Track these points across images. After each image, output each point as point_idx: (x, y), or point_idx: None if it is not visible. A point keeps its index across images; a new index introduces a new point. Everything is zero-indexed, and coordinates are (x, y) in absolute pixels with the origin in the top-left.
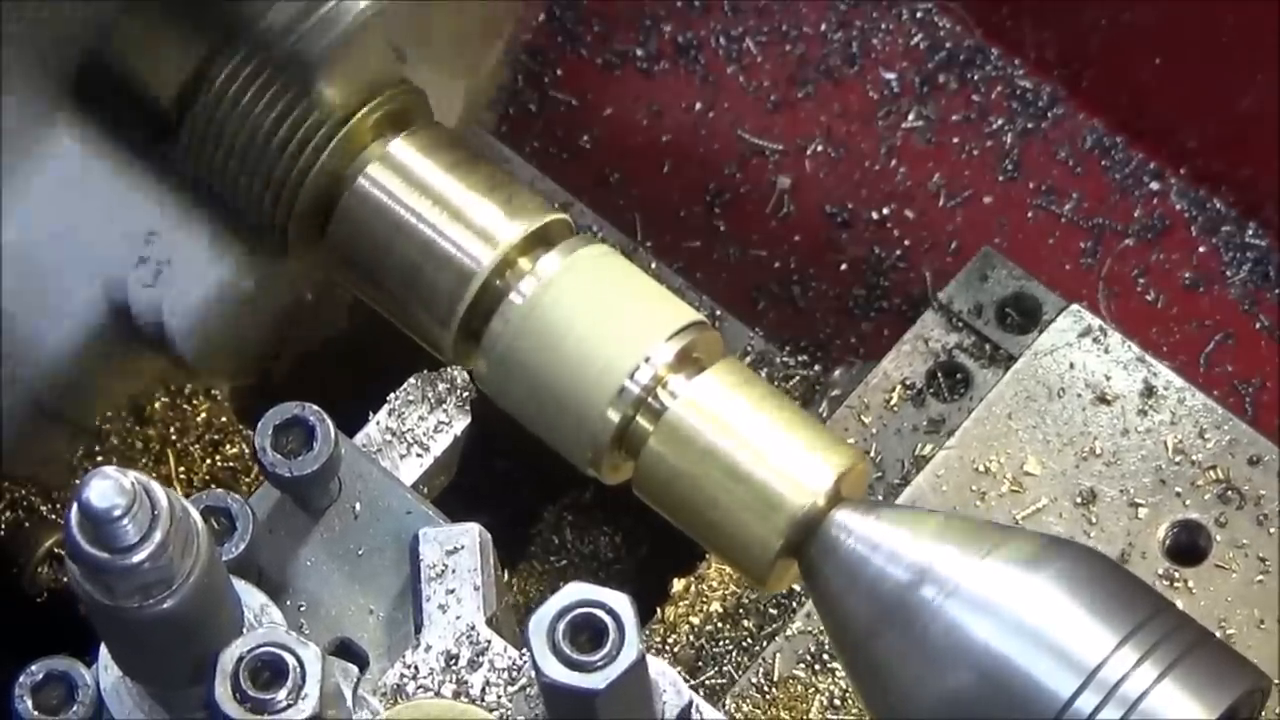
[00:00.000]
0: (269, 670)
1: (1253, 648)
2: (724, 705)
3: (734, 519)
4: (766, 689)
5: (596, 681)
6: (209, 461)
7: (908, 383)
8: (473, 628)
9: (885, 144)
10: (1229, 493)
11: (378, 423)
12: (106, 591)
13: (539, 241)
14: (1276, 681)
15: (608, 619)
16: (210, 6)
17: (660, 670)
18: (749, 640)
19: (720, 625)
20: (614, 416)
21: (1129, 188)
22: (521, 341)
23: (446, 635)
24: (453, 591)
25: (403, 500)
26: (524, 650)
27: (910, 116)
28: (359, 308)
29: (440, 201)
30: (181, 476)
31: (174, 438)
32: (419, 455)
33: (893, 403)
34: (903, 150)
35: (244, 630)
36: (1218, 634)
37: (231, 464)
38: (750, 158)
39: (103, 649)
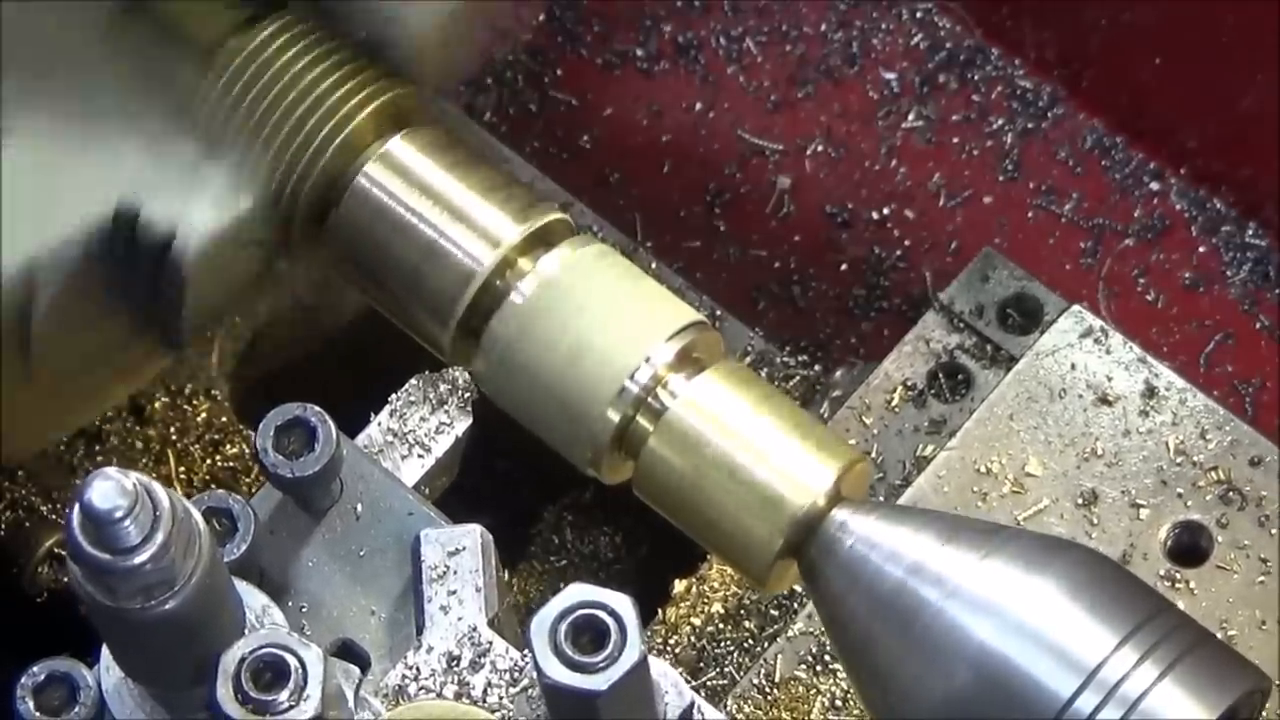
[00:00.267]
0: (271, 671)
1: (1254, 649)
2: (725, 706)
3: (734, 519)
4: (768, 690)
5: (598, 683)
6: (209, 461)
7: (909, 383)
8: (474, 629)
9: (885, 144)
10: (1230, 494)
11: (379, 424)
12: (108, 593)
13: (539, 241)
14: (1277, 682)
15: (610, 620)
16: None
17: (662, 671)
18: (750, 641)
19: (722, 626)
20: (614, 416)
21: (1129, 188)
22: (521, 341)
23: (448, 636)
24: (454, 593)
25: (404, 501)
26: (526, 651)
27: (910, 116)
28: (359, 307)
29: (440, 201)
30: (181, 476)
31: (174, 438)
32: (420, 456)
33: (894, 403)
34: (903, 150)
35: (246, 631)
36: (1219, 635)
37: (231, 464)
38: (750, 158)
39: (104, 650)
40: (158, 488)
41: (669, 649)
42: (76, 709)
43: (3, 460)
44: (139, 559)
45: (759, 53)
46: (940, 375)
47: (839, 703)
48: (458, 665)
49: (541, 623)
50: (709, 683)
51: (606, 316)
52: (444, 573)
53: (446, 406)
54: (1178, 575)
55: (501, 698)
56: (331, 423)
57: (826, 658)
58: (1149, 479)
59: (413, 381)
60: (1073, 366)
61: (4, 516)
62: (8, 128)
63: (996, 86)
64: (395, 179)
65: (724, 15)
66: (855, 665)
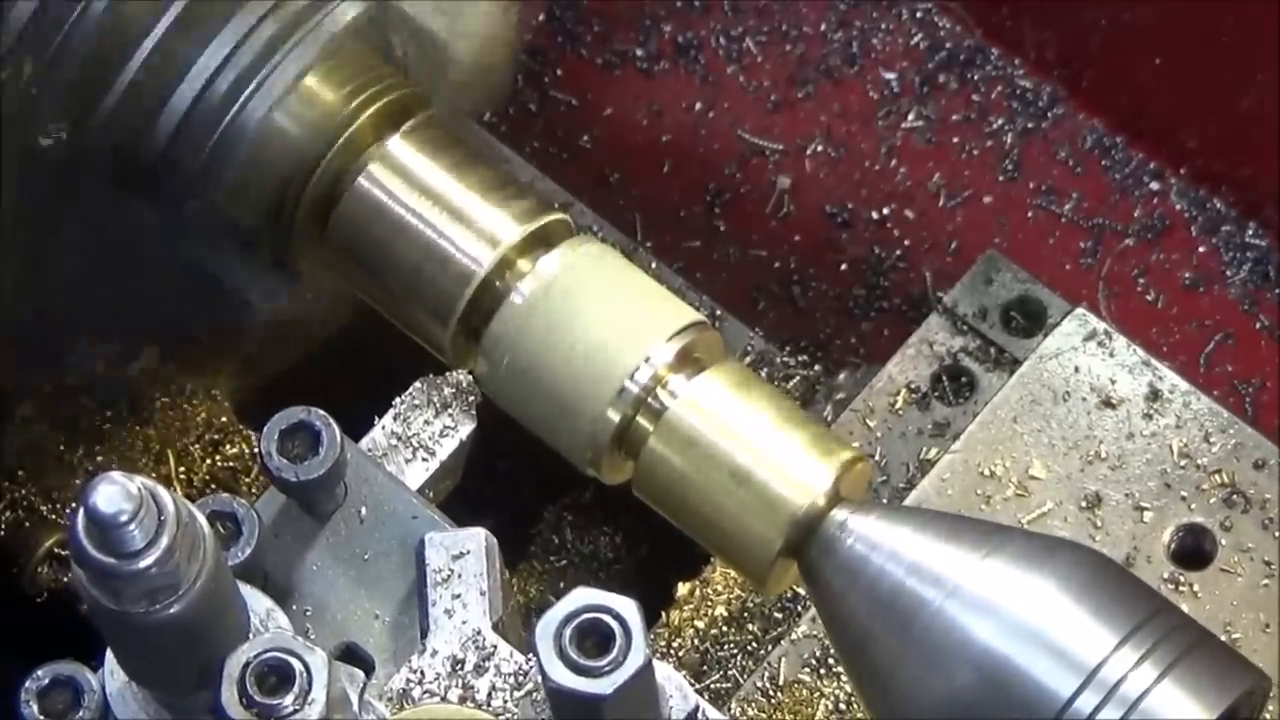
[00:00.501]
0: (275, 675)
1: (1258, 651)
2: (729, 709)
3: (734, 519)
4: (772, 693)
5: (603, 687)
6: (209, 461)
7: (912, 386)
8: (479, 632)
9: (885, 144)
10: (1234, 497)
11: (383, 427)
12: (113, 596)
13: (539, 241)
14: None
15: (614, 624)
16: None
17: (666, 675)
18: (754, 644)
19: (725, 629)
20: (614, 416)
21: (1129, 188)
22: (521, 342)
23: (452, 640)
24: (459, 596)
25: (408, 505)
26: (530, 655)
27: (910, 116)
28: (359, 307)
29: (440, 201)
30: (181, 476)
31: (174, 438)
32: (425, 460)
33: (897, 406)
34: (903, 150)
35: (250, 635)
36: (1223, 638)
37: (231, 464)
38: (750, 158)
39: (109, 653)
40: (162, 491)
41: (672, 652)
42: (81, 713)
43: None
44: (144, 563)
45: (759, 53)
46: (944, 378)
47: (843, 706)
48: (462, 669)
49: (546, 626)
50: (712, 685)
51: (606, 316)
52: (448, 576)
53: (451, 410)
54: (1181, 578)
55: (506, 701)
56: (336, 426)
57: (830, 661)
58: (1153, 482)
59: (417, 385)
60: (1076, 369)
61: (4, 516)
62: None
63: (996, 86)
64: (395, 179)
65: (724, 15)
66: (855, 665)
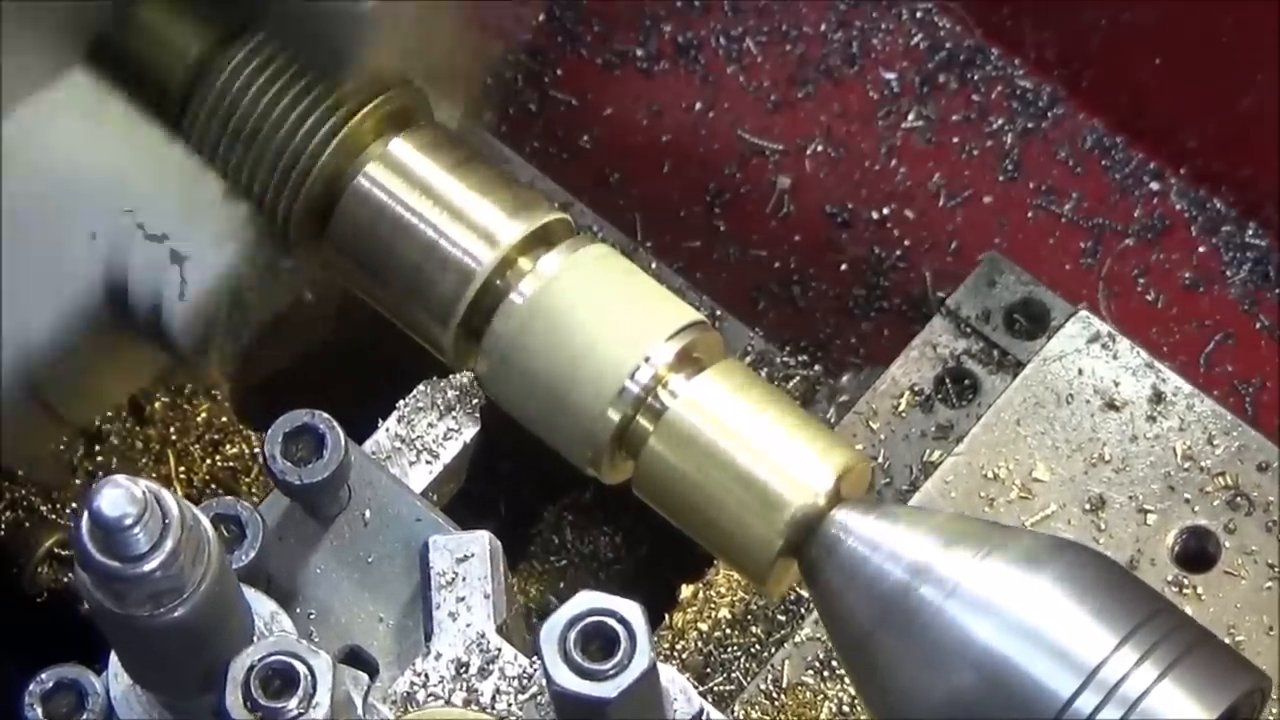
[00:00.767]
0: (280, 679)
1: (1261, 654)
2: (732, 712)
3: (734, 519)
4: (775, 696)
5: (608, 690)
6: (209, 461)
7: (916, 389)
8: (483, 635)
9: (885, 144)
10: (1238, 499)
11: (387, 429)
12: (117, 600)
13: (539, 241)
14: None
15: (619, 628)
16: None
17: (670, 677)
18: (757, 647)
19: (729, 631)
20: (614, 416)
21: (1129, 188)
22: (522, 341)
23: (457, 643)
24: (463, 599)
25: (412, 508)
26: (534, 658)
27: (910, 116)
28: (359, 307)
29: (440, 201)
30: (181, 476)
31: (174, 438)
32: (428, 462)
33: (901, 409)
34: (903, 150)
35: (254, 638)
36: (1227, 640)
37: (231, 464)
38: (750, 158)
39: (113, 657)
40: (167, 495)
41: (676, 654)
42: (85, 716)
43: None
44: (148, 566)
45: (759, 53)
46: (947, 380)
47: (846, 708)
48: (466, 672)
49: (551, 630)
50: (716, 688)
51: (606, 316)
52: (452, 579)
53: (454, 412)
54: (1185, 581)
55: (510, 704)
56: (340, 429)
57: (834, 663)
58: (1156, 484)
59: (420, 387)
60: (1080, 372)
61: (4, 516)
62: None
63: (996, 86)
64: (395, 179)
65: (724, 15)
66: (855, 665)
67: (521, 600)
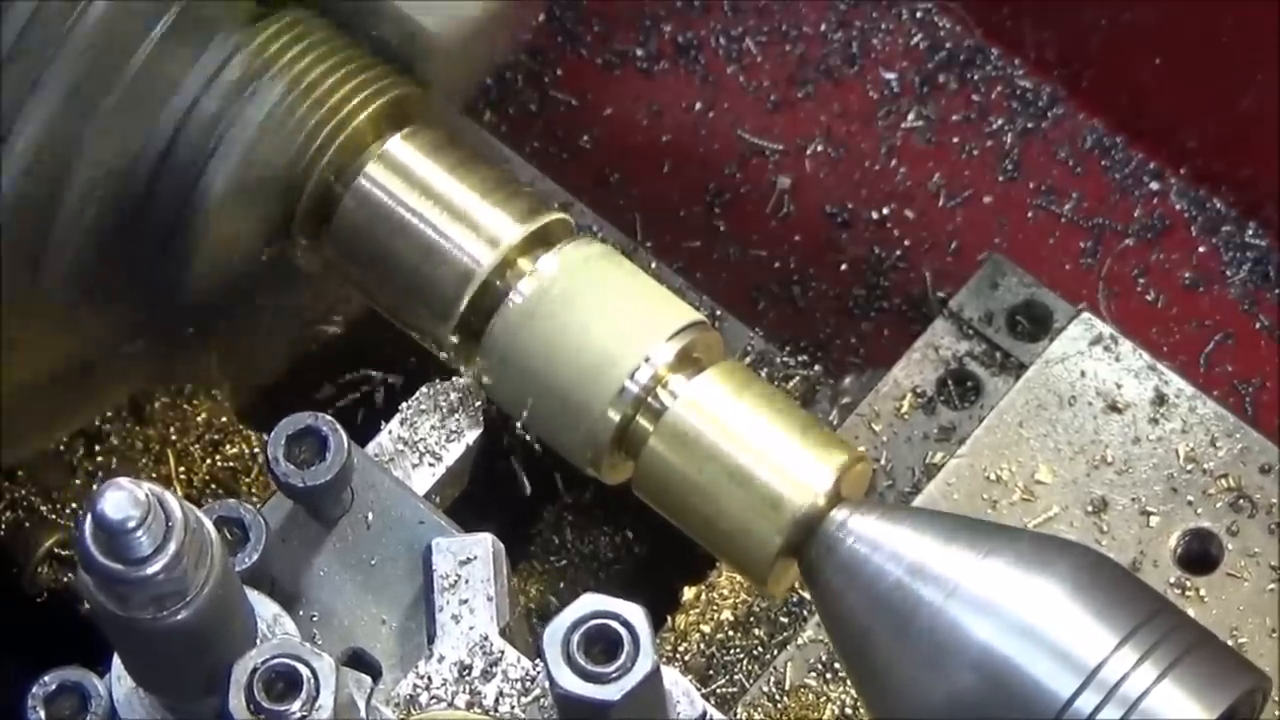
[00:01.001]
0: (283, 681)
1: (1264, 656)
2: (735, 714)
3: (734, 519)
4: (778, 698)
5: (611, 693)
6: (209, 461)
7: (918, 390)
8: (486, 638)
9: (885, 144)
10: (1241, 501)
11: (390, 432)
12: (120, 603)
13: (539, 241)
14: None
15: (622, 630)
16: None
17: (673, 680)
18: (760, 649)
19: (731, 633)
20: (614, 416)
21: (1129, 188)
22: (522, 341)
23: (460, 645)
24: (466, 602)
25: (415, 510)
26: (537, 661)
27: (910, 116)
28: (359, 307)
29: (440, 201)
30: (181, 476)
31: (174, 438)
32: (431, 465)
33: (903, 411)
34: (903, 150)
35: (257, 641)
36: (1230, 642)
37: (231, 464)
38: (750, 158)
39: (116, 659)
40: (170, 497)
41: (679, 656)
42: (88, 718)
43: (2, 462)
44: (151, 569)
45: (759, 53)
46: (950, 382)
47: (849, 711)
48: (469, 674)
49: (554, 632)
50: (719, 690)
51: (606, 316)
52: (455, 582)
53: (457, 415)
54: (1188, 583)
55: (513, 707)
56: (343, 432)
57: (836, 666)
58: (1159, 486)
59: (423, 389)
60: (1082, 374)
61: (4, 516)
62: None
63: (996, 86)
64: (395, 179)
65: (724, 15)
66: (855, 665)
67: (521, 600)
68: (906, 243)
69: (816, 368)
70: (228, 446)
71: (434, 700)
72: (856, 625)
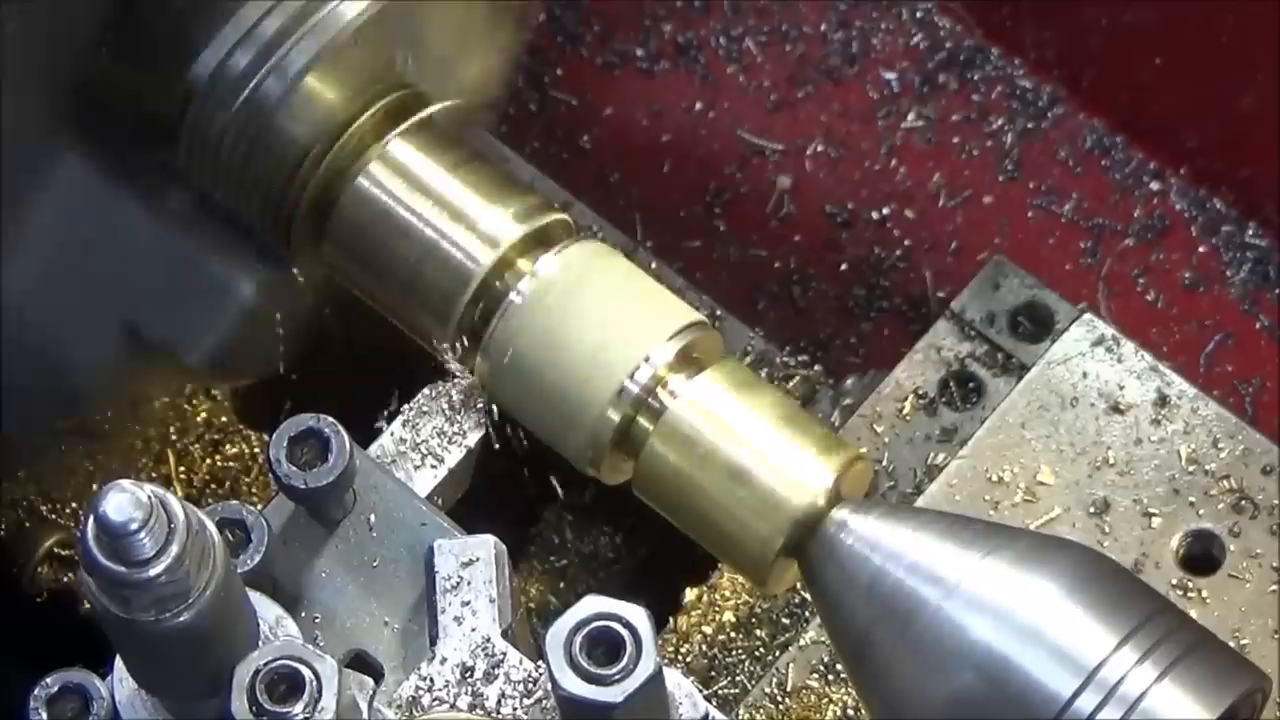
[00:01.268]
0: (285, 683)
1: (1266, 657)
2: (737, 715)
3: (734, 519)
4: (780, 699)
5: (613, 695)
6: (209, 461)
7: (920, 392)
8: (488, 640)
9: (885, 144)
10: (1242, 502)
11: (392, 433)
12: (122, 604)
13: (539, 241)
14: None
15: (624, 632)
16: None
17: (675, 681)
18: (762, 650)
19: (733, 635)
20: (614, 416)
21: (1129, 188)
22: (521, 341)
23: (462, 647)
24: (468, 603)
25: (417, 512)
26: (540, 662)
27: (910, 116)
28: (359, 308)
29: (440, 201)
30: (181, 476)
31: (174, 438)
32: (433, 466)
33: (905, 412)
34: (903, 150)
35: (259, 643)
36: (1231, 644)
37: (231, 464)
38: (750, 158)
39: (118, 661)
40: (172, 499)
41: (680, 657)
42: None
43: None
44: (153, 571)
45: (759, 53)
46: (952, 383)
47: (851, 712)
48: (472, 676)
49: (557, 635)
50: (720, 691)
51: (606, 316)
52: (458, 583)
53: (459, 416)
54: (1190, 584)
55: (515, 709)
56: (345, 433)
57: (838, 667)
58: (1161, 488)
59: (425, 391)
60: (1084, 375)
61: (4, 516)
62: None
63: (996, 86)
64: (395, 179)
65: (724, 15)
66: (855, 665)
67: (521, 600)
68: (907, 243)
69: (817, 368)
70: (228, 446)
71: (436, 702)
72: (856, 625)
